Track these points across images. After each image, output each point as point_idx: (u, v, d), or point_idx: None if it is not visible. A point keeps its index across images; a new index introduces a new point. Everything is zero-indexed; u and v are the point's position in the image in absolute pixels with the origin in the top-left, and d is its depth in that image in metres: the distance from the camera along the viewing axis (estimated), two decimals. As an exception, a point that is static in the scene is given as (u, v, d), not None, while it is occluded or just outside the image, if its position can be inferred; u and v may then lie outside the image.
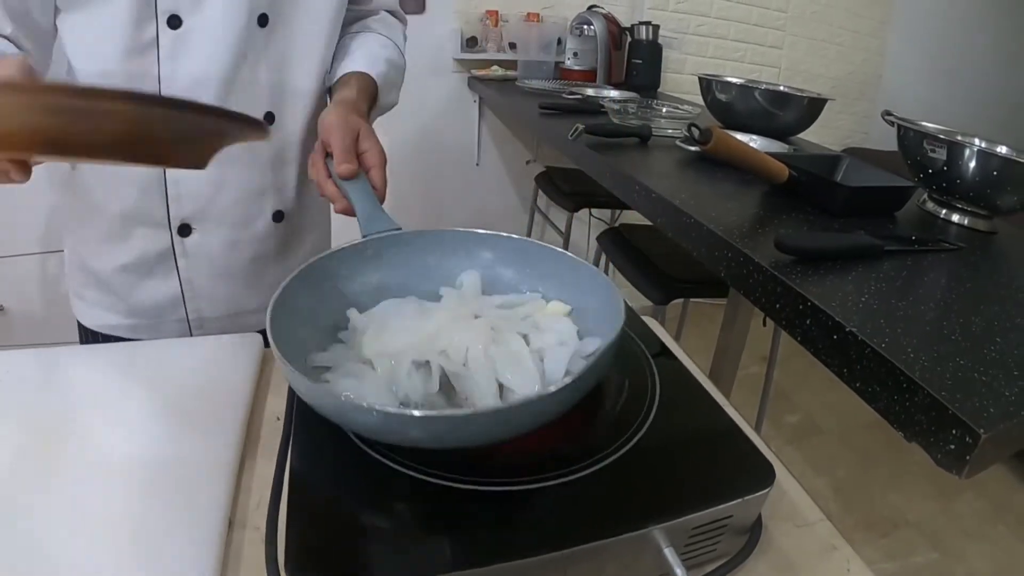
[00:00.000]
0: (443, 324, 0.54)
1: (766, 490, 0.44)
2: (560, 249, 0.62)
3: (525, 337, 0.54)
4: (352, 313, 0.59)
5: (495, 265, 0.65)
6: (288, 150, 0.82)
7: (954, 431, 0.47)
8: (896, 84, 3.07)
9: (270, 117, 0.78)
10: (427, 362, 0.50)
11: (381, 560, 0.38)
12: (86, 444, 0.53)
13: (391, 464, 0.45)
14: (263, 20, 0.74)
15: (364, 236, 0.63)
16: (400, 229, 0.64)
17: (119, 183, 0.77)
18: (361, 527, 0.41)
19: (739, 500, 0.43)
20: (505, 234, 0.64)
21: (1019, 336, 0.59)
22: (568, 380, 0.42)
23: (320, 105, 0.84)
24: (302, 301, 0.56)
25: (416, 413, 0.41)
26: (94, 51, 0.70)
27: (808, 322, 0.62)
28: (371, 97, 0.83)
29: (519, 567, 0.39)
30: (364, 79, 0.83)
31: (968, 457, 0.47)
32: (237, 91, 0.75)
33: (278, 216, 0.83)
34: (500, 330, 0.54)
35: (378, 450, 0.46)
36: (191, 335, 0.85)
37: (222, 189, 0.78)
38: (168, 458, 0.52)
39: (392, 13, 0.95)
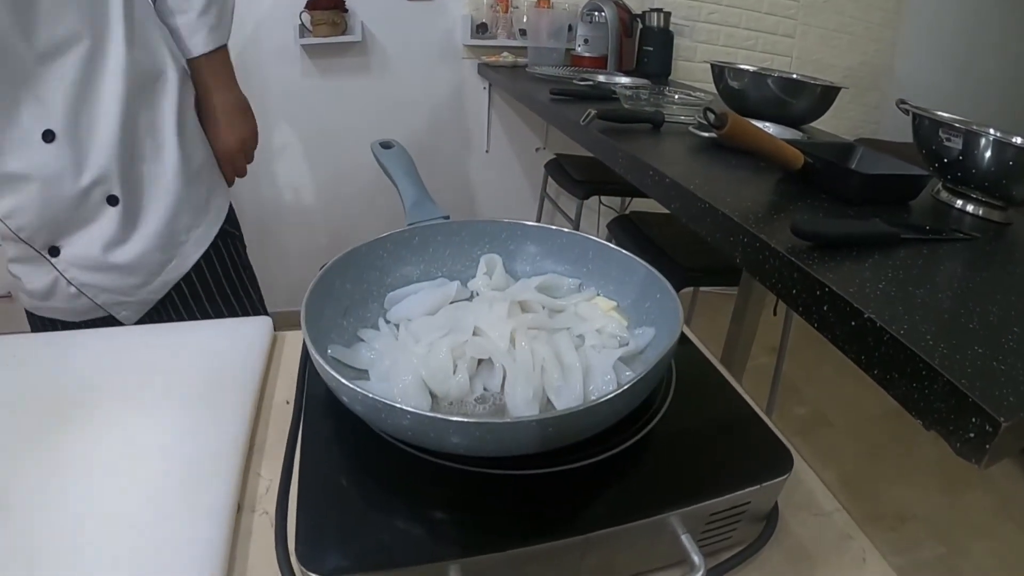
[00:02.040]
0: (484, 319, 0.52)
1: (784, 476, 0.44)
2: (613, 246, 0.61)
3: (572, 333, 0.54)
4: (390, 303, 0.59)
5: (542, 258, 0.65)
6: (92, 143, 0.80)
7: (974, 419, 0.47)
8: (907, 75, 3.03)
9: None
10: (468, 359, 0.50)
11: (393, 544, 0.38)
12: (94, 427, 0.53)
13: (403, 447, 0.44)
14: None
15: (409, 224, 0.62)
16: (448, 217, 0.63)
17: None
18: (373, 511, 0.40)
19: (757, 486, 0.42)
20: (555, 227, 0.64)
21: (1038, 326, 0.58)
22: (626, 386, 0.41)
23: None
24: (341, 288, 0.55)
25: (459, 419, 0.38)
26: None
27: (825, 308, 0.62)
28: (228, 68, 0.96)
29: (533, 553, 0.38)
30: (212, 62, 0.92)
31: (988, 446, 0.46)
32: None
33: (113, 200, 0.83)
34: (547, 328, 0.54)
35: (389, 433, 0.45)
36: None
37: (46, 208, 0.78)
38: (177, 442, 0.52)
39: None
